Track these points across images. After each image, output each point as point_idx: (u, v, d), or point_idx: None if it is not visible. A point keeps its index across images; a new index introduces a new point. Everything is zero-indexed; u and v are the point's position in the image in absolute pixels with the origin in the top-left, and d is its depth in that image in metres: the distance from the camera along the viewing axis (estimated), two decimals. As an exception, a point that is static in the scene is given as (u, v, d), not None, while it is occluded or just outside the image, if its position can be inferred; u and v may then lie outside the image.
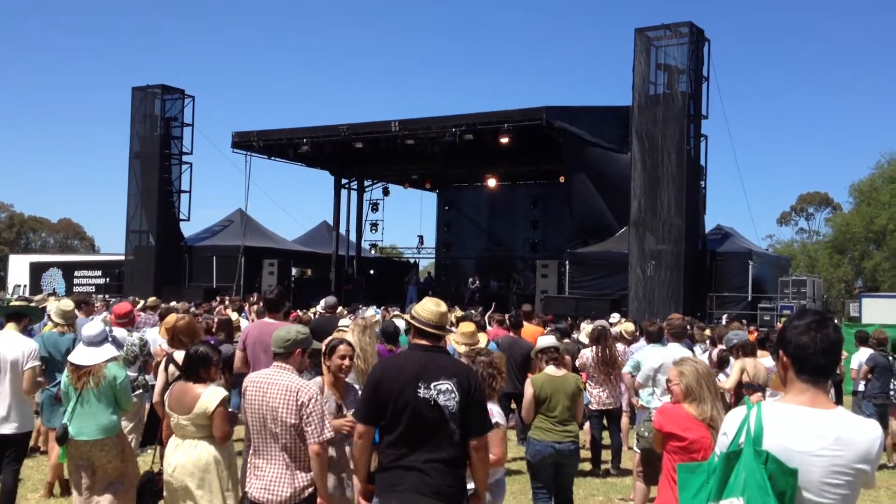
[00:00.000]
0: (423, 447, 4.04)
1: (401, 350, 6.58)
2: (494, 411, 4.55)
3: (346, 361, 5.18)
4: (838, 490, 2.55)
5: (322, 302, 12.10)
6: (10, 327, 6.70)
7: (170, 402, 5.26)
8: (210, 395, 5.09)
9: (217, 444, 5.09)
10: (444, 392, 4.04)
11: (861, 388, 11.05)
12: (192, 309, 15.22)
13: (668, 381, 4.85)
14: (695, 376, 4.45)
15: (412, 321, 4.28)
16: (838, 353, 2.74)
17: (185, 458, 5.06)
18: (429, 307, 4.29)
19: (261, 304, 7.65)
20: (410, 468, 4.03)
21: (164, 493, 5.23)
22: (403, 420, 4.05)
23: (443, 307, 4.33)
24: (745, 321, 17.12)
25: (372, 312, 14.04)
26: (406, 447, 4.05)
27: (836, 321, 2.88)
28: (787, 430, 2.58)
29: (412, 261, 35.98)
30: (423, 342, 4.23)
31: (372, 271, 32.66)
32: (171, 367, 6.62)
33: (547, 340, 7.52)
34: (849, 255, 53.01)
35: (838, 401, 11.14)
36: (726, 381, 8.21)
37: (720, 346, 9.93)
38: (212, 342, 6.84)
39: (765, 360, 8.50)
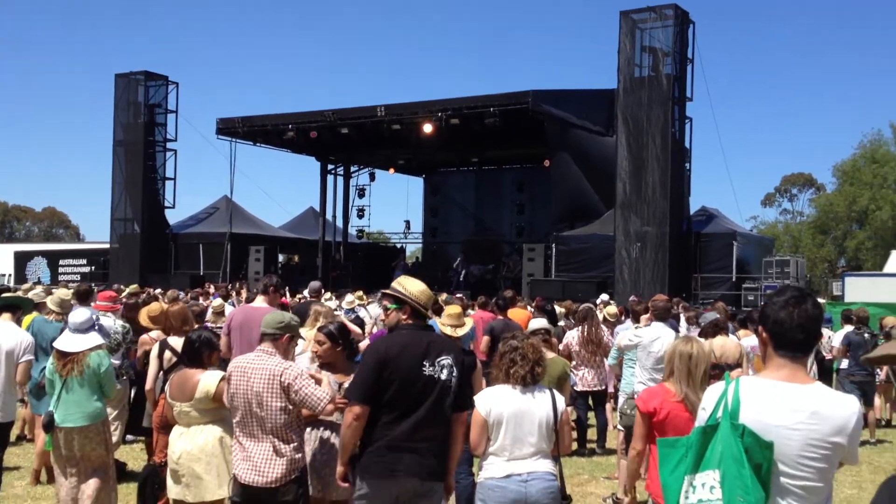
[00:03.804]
0: (422, 425, 4.09)
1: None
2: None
3: (317, 348, 5.23)
4: (815, 463, 2.57)
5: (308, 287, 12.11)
6: (6, 317, 6.73)
7: (171, 391, 5.27)
8: (209, 378, 5.12)
9: (223, 426, 5.11)
10: (446, 367, 4.16)
11: (844, 365, 11.18)
12: (182, 295, 15.24)
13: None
14: (678, 355, 4.44)
15: (412, 302, 4.31)
16: (817, 328, 2.76)
17: (191, 444, 5.07)
18: (423, 289, 4.38)
19: (261, 287, 7.60)
20: (407, 449, 4.07)
21: (169, 482, 5.20)
22: (407, 398, 4.09)
23: (429, 289, 4.47)
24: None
25: (351, 298, 14.12)
26: (406, 426, 4.08)
27: (815, 297, 2.90)
28: (764, 404, 2.60)
29: (399, 246, 35.95)
30: (420, 322, 4.34)
31: (359, 255, 32.62)
32: (168, 354, 6.61)
33: (539, 323, 7.62)
34: (832, 235, 53.47)
35: (822, 378, 11.27)
36: None
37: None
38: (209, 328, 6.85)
39: (748, 340, 8.56)
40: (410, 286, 4.37)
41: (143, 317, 7.52)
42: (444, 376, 4.15)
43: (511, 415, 4.31)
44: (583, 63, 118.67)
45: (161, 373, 6.59)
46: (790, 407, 2.59)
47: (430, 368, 4.13)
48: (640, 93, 21.04)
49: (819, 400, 2.62)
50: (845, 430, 2.60)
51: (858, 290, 20.65)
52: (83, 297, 8.46)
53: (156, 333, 7.43)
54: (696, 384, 4.27)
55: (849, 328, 11.37)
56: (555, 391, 4.59)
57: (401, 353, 4.15)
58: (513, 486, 4.24)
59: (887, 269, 25.90)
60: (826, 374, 12.02)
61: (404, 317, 4.35)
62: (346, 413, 4.24)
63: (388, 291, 4.48)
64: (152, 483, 5.86)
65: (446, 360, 4.17)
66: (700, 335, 8.37)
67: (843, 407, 2.64)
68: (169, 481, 5.22)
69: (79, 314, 6.10)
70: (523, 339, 4.60)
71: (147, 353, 7.55)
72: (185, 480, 5.07)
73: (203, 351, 5.28)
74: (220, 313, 10.30)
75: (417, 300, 4.31)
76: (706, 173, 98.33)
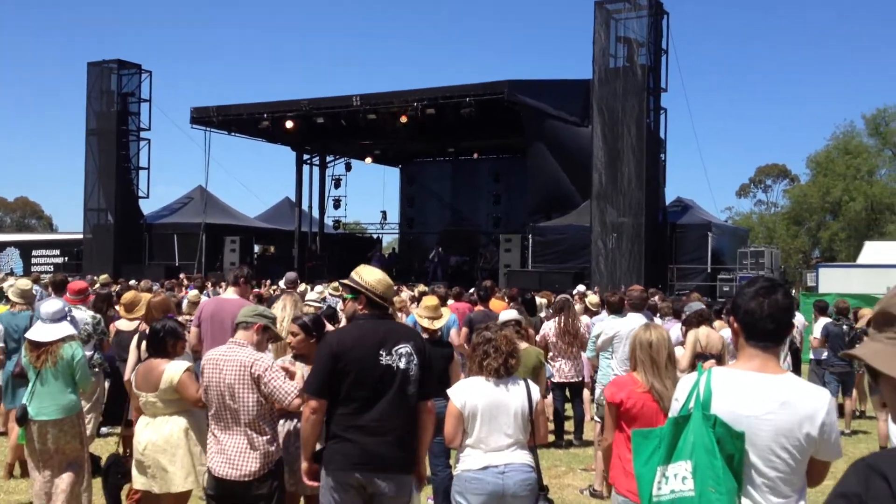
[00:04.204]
0: (385, 416, 4.05)
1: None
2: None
3: (292, 339, 5.21)
4: (785, 454, 2.58)
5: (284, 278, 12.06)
6: None
7: (137, 381, 5.23)
8: (173, 367, 5.10)
9: (189, 417, 5.09)
10: (404, 355, 4.11)
11: (823, 356, 11.21)
12: (156, 287, 15.12)
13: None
14: (639, 344, 4.38)
15: (367, 292, 4.26)
16: (788, 318, 2.75)
17: (156, 435, 5.04)
18: (381, 278, 4.32)
19: (232, 279, 7.56)
20: (370, 442, 4.02)
21: (135, 473, 5.17)
22: (365, 389, 4.05)
23: (388, 278, 4.41)
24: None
25: (321, 288, 14.05)
26: (367, 417, 4.04)
27: (786, 287, 2.91)
28: (735, 394, 2.61)
29: (375, 236, 35.87)
30: (377, 311, 4.27)
31: (335, 246, 32.50)
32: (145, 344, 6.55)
33: (510, 314, 7.60)
34: (806, 226, 53.90)
35: (796, 369, 11.35)
36: (682, 356, 8.20)
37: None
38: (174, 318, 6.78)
39: (724, 332, 8.59)
40: (367, 276, 4.32)
41: (121, 307, 7.49)
42: (402, 365, 4.10)
43: (486, 407, 4.29)
44: (558, 53, 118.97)
45: (139, 363, 6.54)
46: (761, 397, 2.60)
47: (388, 357, 4.08)
48: (615, 83, 21.11)
49: (790, 390, 2.63)
50: (815, 420, 2.59)
51: (832, 280, 20.82)
52: (58, 288, 8.37)
53: (122, 322, 7.38)
54: (660, 371, 4.20)
55: (825, 319, 11.42)
56: (529, 381, 4.57)
57: (355, 343, 4.11)
58: (490, 479, 4.22)
59: (861, 260, 26.12)
60: (798, 364, 12.07)
61: (360, 307, 4.32)
62: (304, 408, 4.20)
63: (345, 282, 4.45)
64: (115, 473, 5.80)
65: (404, 349, 4.12)
66: (684, 325, 8.43)
67: (814, 398, 2.64)
68: (134, 472, 5.18)
69: (50, 304, 6.03)
70: (497, 331, 4.55)
71: (114, 341, 7.50)
72: (150, 472, 5.04)
73: (167, 340, 5.24)
74: (196, 303, 10.24)
75: (373, 290, 4.25)
76: (681, 164, 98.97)
